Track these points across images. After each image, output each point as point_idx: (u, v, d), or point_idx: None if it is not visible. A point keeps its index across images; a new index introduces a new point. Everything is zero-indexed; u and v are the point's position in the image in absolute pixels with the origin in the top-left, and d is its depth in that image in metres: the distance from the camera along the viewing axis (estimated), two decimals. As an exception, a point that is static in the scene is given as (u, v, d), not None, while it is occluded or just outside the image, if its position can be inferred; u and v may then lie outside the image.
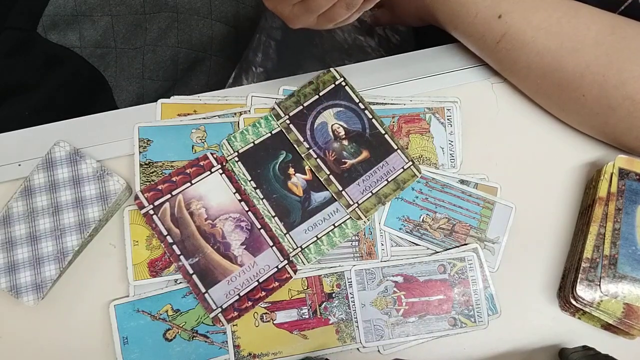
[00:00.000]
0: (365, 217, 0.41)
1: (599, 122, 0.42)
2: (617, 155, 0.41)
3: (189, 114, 0.43)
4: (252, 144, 0.42)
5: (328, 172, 0.42)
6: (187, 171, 0.41)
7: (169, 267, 0.40)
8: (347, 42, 0.66)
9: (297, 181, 0.42)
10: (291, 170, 0.42)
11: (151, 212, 0.40)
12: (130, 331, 0.38)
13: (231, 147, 0.42)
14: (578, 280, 0.39)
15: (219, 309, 0.39)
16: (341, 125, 0.44)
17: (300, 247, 0.40)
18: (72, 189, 0.39)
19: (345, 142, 0.43)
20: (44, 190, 0.39)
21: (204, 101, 0.44)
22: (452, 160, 0.44)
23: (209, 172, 0.41)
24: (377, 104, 0.45)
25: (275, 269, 0.40)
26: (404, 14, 0.56)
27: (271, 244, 0.40)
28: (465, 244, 0.42)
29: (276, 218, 0.41)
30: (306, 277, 0.41)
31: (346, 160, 0.43)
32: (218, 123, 0.43)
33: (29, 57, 0.56)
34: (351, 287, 0.40)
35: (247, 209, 0.41)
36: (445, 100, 0.46)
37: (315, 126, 0.43)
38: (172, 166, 0.42)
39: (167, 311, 0.39)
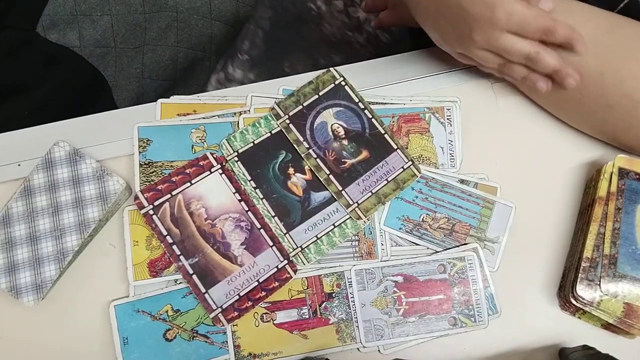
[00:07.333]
0: (365, 216, 0.41)
1: (598, 120, 0.42)
2: (617, 154, 0.41)
3: (188, 114, 0.43)
4: (251, 144, 0.42)
5: (328, 172, 0.42)
6: (187, 171, 0.41)
7: (169, 267, 0.40)
8: (335, 36, 0.65)
9: (297, 181, 0.42)
10: (291, 170, 0.42)
11: (151, 212, 0.40)
12: (130, 331, 0.38)
13: (231, 147, 0.42)
14: (578, 280, 0.39)
15: (219, 309, 0.39)
16: (341, 125, 0.44)
17: (300, 247, 0.40)
18: (72, 189, 0.39)
19: (345, 142, 0.43)
20: (43, 191, 0.39)
21: (204, 101, 0.44)
22: (452, 160, 0.44)
23: (208, 172, 0.41)
24: (377, 103, 0.45)
25: (275, 269, 0.40)
26: (408, 16, 0.56)
27: (271, 244, 0.40)
28: (465, 244, 0.42)
29: (276, 218, 0.41)
30: (306, 277, 0.41)
31: (346, 160, 0.43)
32: (218, 123, 0.43)
33: (28, 57, 0.56)
34: (351, 287, 0.40)
35: (247, 209, 0.41)
36: (445, 100, 0.46)
37: (315, 126, 0.43)
38: (171, 166, 0.42)
39: (167, 311, 0.39)
